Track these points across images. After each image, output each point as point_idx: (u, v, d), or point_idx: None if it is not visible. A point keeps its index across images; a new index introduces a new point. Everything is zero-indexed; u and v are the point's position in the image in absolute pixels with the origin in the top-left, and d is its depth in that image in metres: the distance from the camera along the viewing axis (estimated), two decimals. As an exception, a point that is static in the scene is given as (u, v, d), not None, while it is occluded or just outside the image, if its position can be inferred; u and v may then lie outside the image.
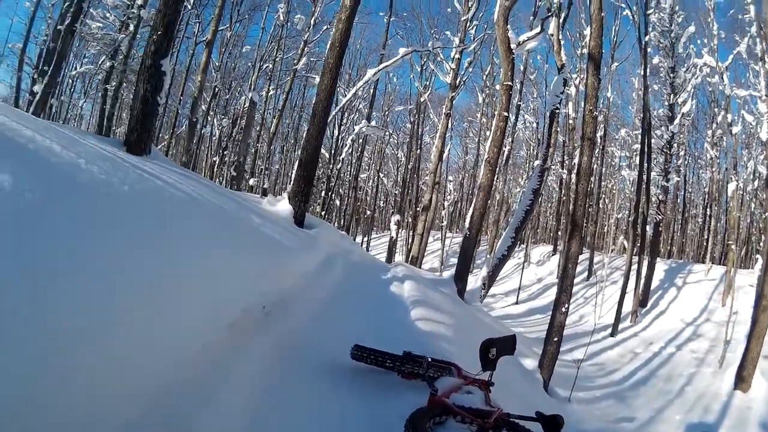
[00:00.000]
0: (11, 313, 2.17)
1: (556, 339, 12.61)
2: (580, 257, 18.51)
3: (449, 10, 34.73)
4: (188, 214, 5.05)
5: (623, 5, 28.90)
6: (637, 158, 28.93)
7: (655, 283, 26.00)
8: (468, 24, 30.33)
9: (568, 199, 32.46)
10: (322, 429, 4.06)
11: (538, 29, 17.18)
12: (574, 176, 27.14)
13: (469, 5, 29.78)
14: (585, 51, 24.75)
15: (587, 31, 19.03)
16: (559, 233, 36.97)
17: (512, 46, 15.83)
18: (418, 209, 33.57)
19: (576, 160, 23.29)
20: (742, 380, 15.04)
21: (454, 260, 20.84)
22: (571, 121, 33.72)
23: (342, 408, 4.47)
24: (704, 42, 28.08)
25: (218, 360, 3.97)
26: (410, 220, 40.90)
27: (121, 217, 3.47)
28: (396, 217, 33.13)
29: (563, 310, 12.72)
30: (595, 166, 33.38)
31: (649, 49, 26.97)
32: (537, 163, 18.78)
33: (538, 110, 42.48)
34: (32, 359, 2.20)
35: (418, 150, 41.47)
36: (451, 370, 5.06)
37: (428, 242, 34.02)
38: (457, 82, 29.82)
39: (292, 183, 11.68)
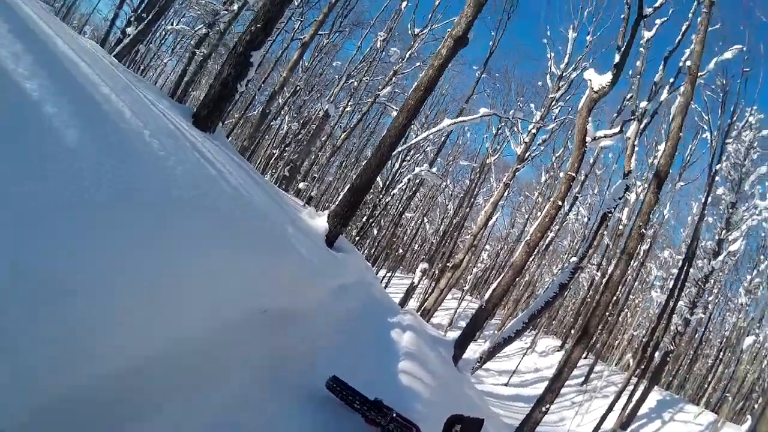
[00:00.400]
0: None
1: (525, 434, 12.51)
2: (582, 362, 18.28)
3: (540, 83, 35.09)
4: (230, 216, 5.08)
5: (705, 126, 28.89)
6: (671, 283, 28.70)
7: (643, 410, 25.64)
8: (553, 103, 30.66)
9: (592, 301, 32.25)
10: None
11: (617, 129, 17.18)
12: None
13: (560, 85, 30.02)
14: (655, 162, 24.65)
15: (661, 147, 18.94)
16: (572, 331, 36.72)
17: (588, 138, 15.79)
18: (447, 264, 33.46)
19: (611, 269, 23.11)
20: None
21: (463, 323, 20.81)
22: (621, 227, 33.52)
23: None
24: (772, 186, 27.77)
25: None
26: (436, 271, 40.77)
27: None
28: (424, 266, 33.23)
29: (543, 409, 12.65)
30: (628, 278, 33.17)
31: (717, 178, 26.84)
32: (573, 259, 18.64)
33: (593, 206, 42.14)
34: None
35: (468, 208, 41.56)
36: (411, 430, 5.13)
37: (445, 298, 34.00)
38: (526, 155, 29.95)
39: (337, 203, 11.74)
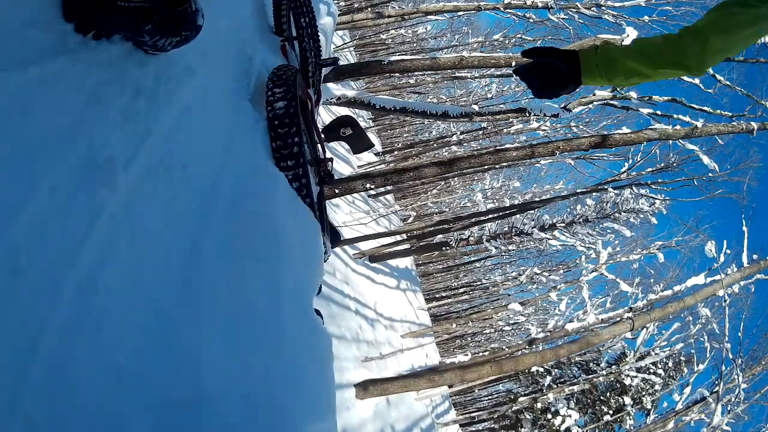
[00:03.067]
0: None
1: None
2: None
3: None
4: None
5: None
6: (492, 204, 28.12)
7: (392, 263, 25.38)
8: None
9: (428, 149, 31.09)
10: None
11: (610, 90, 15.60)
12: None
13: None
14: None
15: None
16: (398, 153, 35.52)
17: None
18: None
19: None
20: None
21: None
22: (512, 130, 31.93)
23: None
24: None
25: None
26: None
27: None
28: None
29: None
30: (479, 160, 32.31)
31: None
32: (474, 107, 17.01)
33: (505, 94, 40.02)
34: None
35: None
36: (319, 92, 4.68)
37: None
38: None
39: None
